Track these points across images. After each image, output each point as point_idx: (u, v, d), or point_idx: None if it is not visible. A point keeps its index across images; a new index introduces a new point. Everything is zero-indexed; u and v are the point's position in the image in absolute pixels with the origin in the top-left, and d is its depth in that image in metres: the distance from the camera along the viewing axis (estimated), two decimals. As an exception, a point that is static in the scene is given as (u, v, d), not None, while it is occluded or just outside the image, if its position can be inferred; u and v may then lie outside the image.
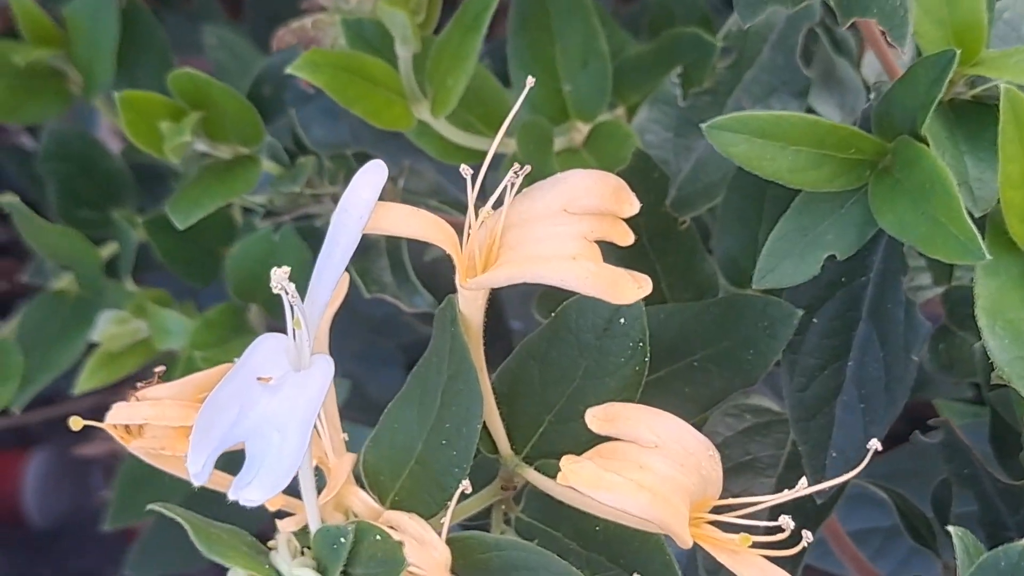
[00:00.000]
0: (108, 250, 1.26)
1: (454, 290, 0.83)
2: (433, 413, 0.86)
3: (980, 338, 0.86)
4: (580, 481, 0.78)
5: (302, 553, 0.86)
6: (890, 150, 0.85)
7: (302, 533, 0.87)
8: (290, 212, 1.08)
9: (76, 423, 0.83)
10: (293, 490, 0.90)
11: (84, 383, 1.20)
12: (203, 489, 0.77)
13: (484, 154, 1.00)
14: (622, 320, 0.85)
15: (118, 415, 0.83)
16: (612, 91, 1.10)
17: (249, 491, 0.73)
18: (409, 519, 0.85)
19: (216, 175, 1.03)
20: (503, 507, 0.94)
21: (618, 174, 0.91)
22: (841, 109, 1.09)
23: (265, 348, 0.76)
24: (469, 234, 0.81)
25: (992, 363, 0.80)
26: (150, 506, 0.84)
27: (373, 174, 0.77)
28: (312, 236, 1.11)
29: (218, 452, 0.74)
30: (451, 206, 1.12)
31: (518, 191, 0.81)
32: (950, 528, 0.78)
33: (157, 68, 1.28)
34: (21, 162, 1.62)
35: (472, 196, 0.80)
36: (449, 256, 0.84)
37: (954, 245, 0.79)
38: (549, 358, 0.89)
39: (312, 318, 0.77)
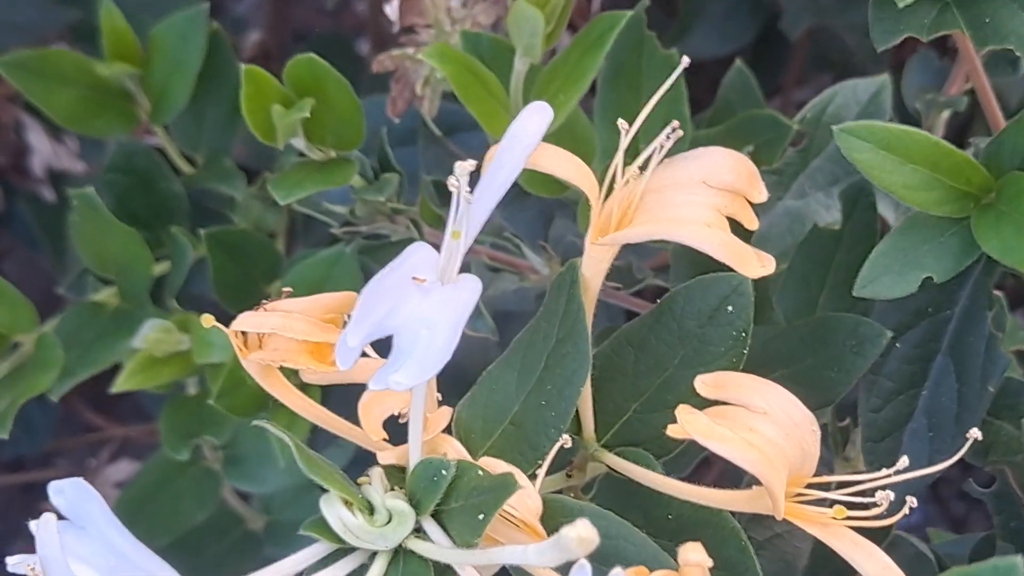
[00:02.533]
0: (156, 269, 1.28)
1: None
2: (535, 376, 0.88)
3: (1017, 427, 0.92)
4: (695, 429, 0.81)
5: (392, 491, 0.87)
6: (996, 187, 0.90)
7: (394, 473, 0.88)
8: (368, 224, 1.11)
9: (207, 320, 0.85)
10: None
11: (123, 383, 1.21)
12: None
13: (565, 188, 1.05)
14: (729, 308, 0.89)
15: (246, 322, 0.85)
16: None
17: (397, 376, 0.75)
18: (506, 465, 0.87)
19: (314, 167, 1.06)
20: (571, 495, 0.96)
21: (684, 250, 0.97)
22: (896, 210, 1.15)
23: (420, 254, 0.79)
24: (609, 193, 0.85)
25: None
26: (256, 422, 0.86)
27: (540, 112, 0.82)
28: (381, 254, 1.13)
29: (371, 337, 0.76)
30: (510, 248, 1.15)
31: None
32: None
33: (228, 104, 1.33)
34: (37, 211, 1.64)
35: (620, 157, 0.84)
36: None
37: (1059, 267, 0.85)
38: (647, 345, 0.92)
39: (467, 236, 0.80)
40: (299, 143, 1.07)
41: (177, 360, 1.22)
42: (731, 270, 0.86)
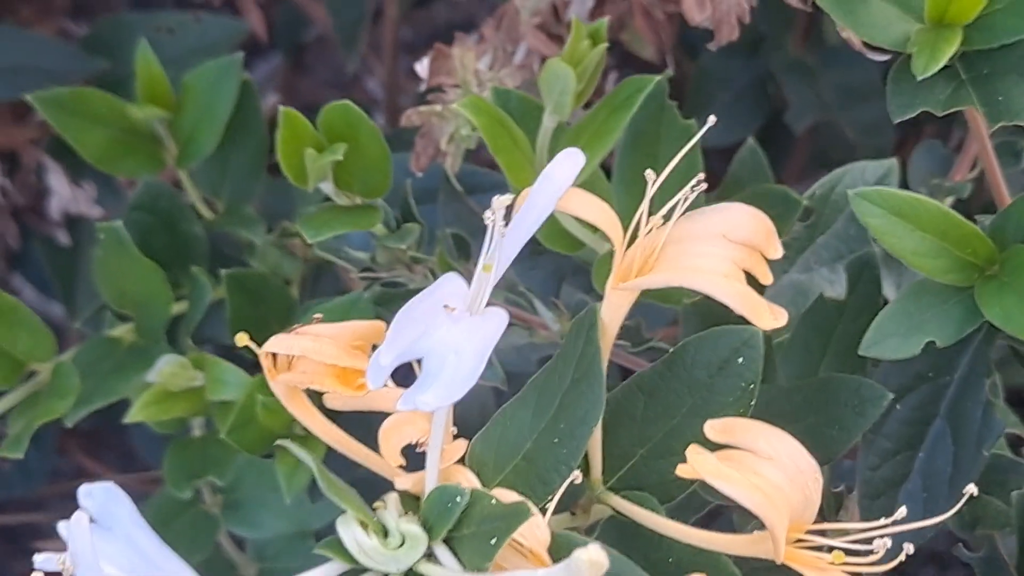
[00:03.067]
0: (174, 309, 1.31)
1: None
2: (549, 414, 0.92)
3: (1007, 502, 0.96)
4: (704, 468, 0.85)
5: (405, 515, 0.90)
6: (1000, 259, 0.95)
7: (408, 500, 0.92)
8: (387, 271, 1.15)
9: (241, 339, 0.89)
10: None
11: (136, 414, 1.24)
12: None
13: (581, 245, 1.09)
14: (740, 359, 0.92)
15: (278, 344, 0.89)
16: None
17: (425, 396, 0.79)
18: (518, 496, 0.90)
19: (342, 210, 1.10)
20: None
21: (693, 304, 1.01)
22: (897, 288, 1.19)
23: (452, 284, 0.84)
24: (633, 241, 0.89)
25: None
26: (279, 442, 0.90)
27: (574, 157, 0.86)
28: (397, 303, 1.17)
29: (403, 358, 0.80)
30: (522, 303, 1.19)
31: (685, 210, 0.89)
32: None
33: (252, 153, 1.37)
34: (51, 254, 1.67)
35: (644, 208, 0.88)
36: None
37: (1057, 332, 0.89)
38: (658, 392, 0.95)
39: (497, 270, 0.84)
40: (328, 188, 1.11)
41: (190, 395, 1.25)
42: (742, 322, 0.90)
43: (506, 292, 1.20)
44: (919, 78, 0.93)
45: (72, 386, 1.24)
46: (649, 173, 0.87)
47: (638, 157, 1.16)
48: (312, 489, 1.30)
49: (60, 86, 1.36)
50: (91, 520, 0.83)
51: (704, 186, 0.88)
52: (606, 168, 1.17)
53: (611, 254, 1.04)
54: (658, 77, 1.06)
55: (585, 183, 1.06)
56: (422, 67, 1.21)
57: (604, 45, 1.03)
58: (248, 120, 1.35)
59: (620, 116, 1.05)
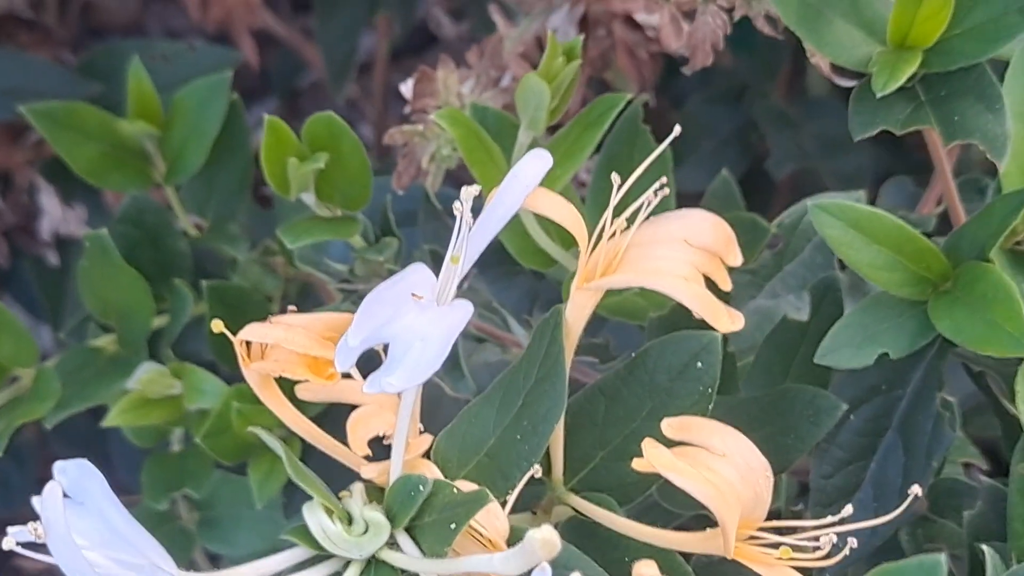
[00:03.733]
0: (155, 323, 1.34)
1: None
2: (512, 412, 0.95)
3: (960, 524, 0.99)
4: (658, 461, 0.88)
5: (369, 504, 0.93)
6: (953, 276, 0.98)
7: (373, 491, 0.94)
8: (365, 283, 1.18)
9: (217, 325, 0.92)
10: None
11: (113, 418, 1.26)
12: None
13: (554, 263, 1.12)
14: (699, 364, 0.96)
15: (251, 332, 0.92)
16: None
17: (390, 379, 0.82)
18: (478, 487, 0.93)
19: (323, 220, 1.13)
20: (535, 536, 1.01)
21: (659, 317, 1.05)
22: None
23: (420, 273, 0.87)
24: (596, 245, 0.92)
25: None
26: (251, 429, 0.93)
27: (542, 157, 0.89)
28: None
29: (369, 342, 0.83)
30: (496, 321, 1.22)
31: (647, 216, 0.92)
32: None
33: (239, 172, 1.40)
34: (40, 274, 1.71)
35: (609, 212, 0.91)
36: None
37: (1008, 341, 0.92)
38: (619, 395, 0.98)
39: (464, 263, 0.87)
40: (309, 199, 1.14)
41: (167, 403, 1.28)
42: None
43: (480, 309, 1.23)
44: (878, 95, 0.96)
45: (53, 390, 1.26)
46: (615, 177, 0.90)
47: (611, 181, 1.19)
48: (287, 506, 1.32)
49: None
50: (64, 495, 0.85)
51: (667, 191, 0.91)
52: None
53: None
54: (630, 96, 1.10)
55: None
56: (407, 88, 1.25)
57: (578, 62, 1.07)
58: (235, 140, 1.38)
59: (593, 132, 1.08)
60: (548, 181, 1.06)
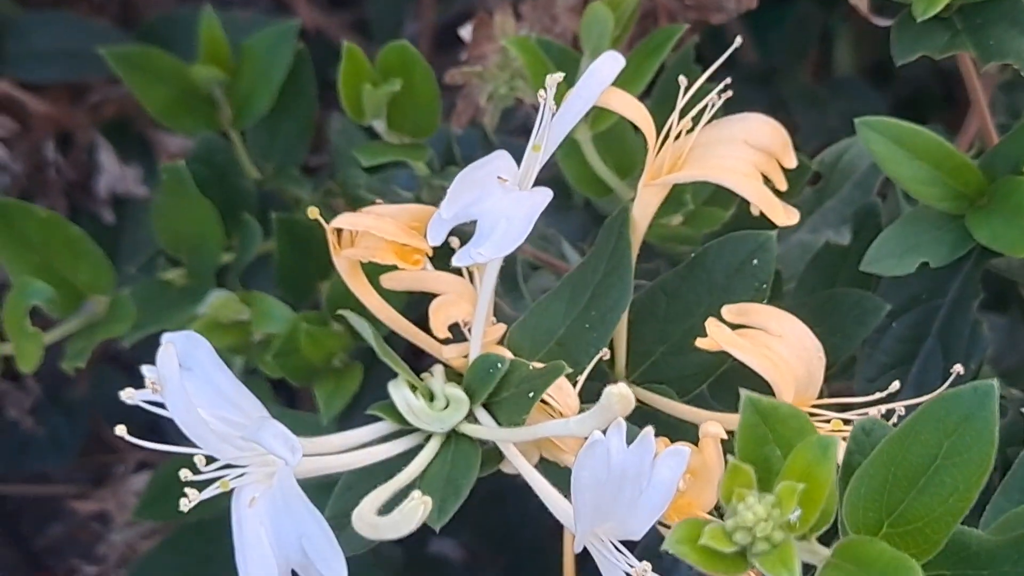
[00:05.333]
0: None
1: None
2: (582, 303, 1.02)
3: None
4: (721, 338, 0.95)
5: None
6: (988, 191, 1.05)
7: (451, 375, 1.02)
8: (430, 209, 1.25)
9: (312, 211, 0.99)
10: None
11: (189, 339, 1.33)
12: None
13: (609, 191, 1.20)
14: (755, 262, 1.03)
15: (344, 220, 1.00)
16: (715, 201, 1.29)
17: (480, 250, 0.90)
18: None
19: (394, 145, 1.21)
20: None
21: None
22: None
23: (504, 159, 0.95)
24: (664, 144, 1.00)
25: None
26: (341, 311, 0.99)
27: (615, 58, 0.97)
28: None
29: (460, 217, 0.91)
30: (552, 251, 1.30)
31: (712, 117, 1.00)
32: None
33: (302, 120, 1.48)
34: (96, 232, 1.77)
35: (675, 115, 0.99)
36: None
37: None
38: (679, 293, 1.05)
39: (545, 151, 0.95)
40: (380, 126, 1.22)
41: (237, 328, 1.35)
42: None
43: (536, 239, 1.30)
44: (919, 20, 1.04)
45: (129, 314, 1.33)
46: (682, 79, 0.98)
47: (666, 116, 1.27)
48: (341, 419, 1.39)
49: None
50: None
51: (730, 93, 0.98)
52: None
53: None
54: (686, 25, 1.17)
55: (616, 132, 1.18)
56: (466, 32, 1.32)
57: (640, -9, 1.15)
58: (300, 88, 1.45)
59: (652, 60, 1.16)
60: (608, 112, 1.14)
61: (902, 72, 1.08)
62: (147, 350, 0.94)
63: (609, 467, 0.86)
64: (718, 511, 0.84)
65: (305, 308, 1.38)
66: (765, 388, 0.95)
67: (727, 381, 1.04)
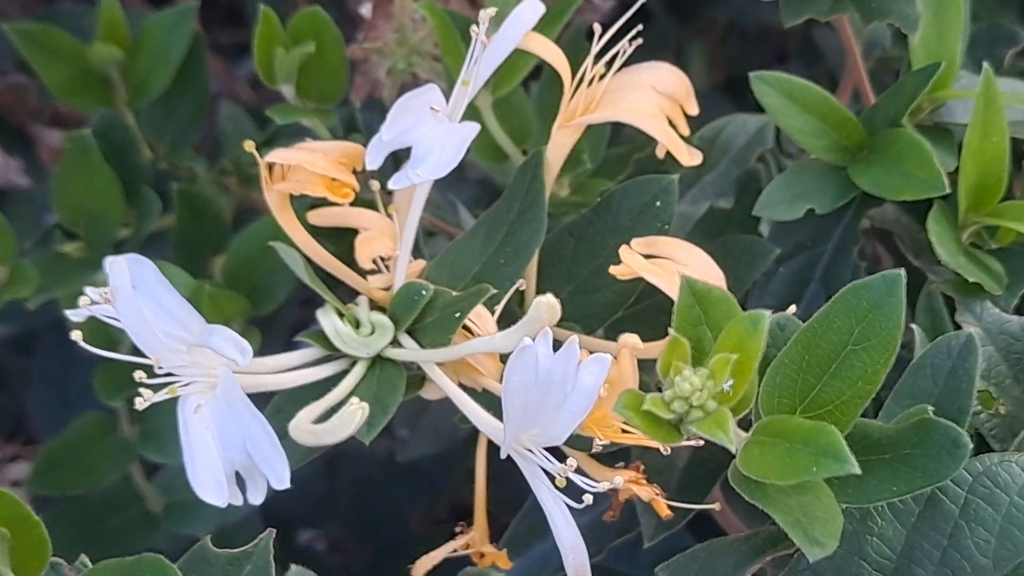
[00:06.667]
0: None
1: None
2: (497, 240, 1.08)
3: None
4: (635, 264, 1.02)
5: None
6: (868, 144, 1.15)
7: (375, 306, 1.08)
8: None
9: (248, 145, 1.05)
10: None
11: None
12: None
13: (506, 158, 1.27)
14: (658, 203, 1.10)
15: (277, 155, 1.05)
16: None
17: (417, 171, 0.96)
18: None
19: (303, 110, 1.27)
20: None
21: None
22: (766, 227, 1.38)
23: (435, 92, 1.01)
24: (577, 89, 1.07)
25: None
26: (272, 244, 1.05)
27: (535, 6, 1.05)
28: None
29: (397, 143, 0.97)
30: (448, 217, 1.36)
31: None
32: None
33: (196, 102, 1.53)
34: None
35: (589, 61, 1.07)
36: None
37: (921, 186, 1.09)
38: (586, 235, 1.12)
39: (474, 86, 1.02)
40: (288, 91, 1.27)
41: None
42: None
43: (431, 207, 1.37)
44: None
45: (32, 277, 1.37)
46: (596, 27, 1.05)
47: (556, 92, 1.34)
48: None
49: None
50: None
51: (640, 41, 1.06)
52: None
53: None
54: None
55: (511, 103, 1.25)
56: (366, 10, 1.39)
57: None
58: (194, 70, 1.50)
59: (552, 27, 1.22)
60: (508, 78, 1.21)
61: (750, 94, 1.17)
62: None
63: (537, 372, 0.92)
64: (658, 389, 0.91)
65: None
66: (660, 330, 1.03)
67: (626, 321, 1.12)
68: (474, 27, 1.00)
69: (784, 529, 0.85)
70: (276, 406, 1.04)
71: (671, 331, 0.89)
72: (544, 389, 0.92)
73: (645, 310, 1.14)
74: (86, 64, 1.49)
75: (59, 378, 1.76)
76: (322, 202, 1.09)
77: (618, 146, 1.35)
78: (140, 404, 0.93)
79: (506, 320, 1.07)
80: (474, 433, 1.07)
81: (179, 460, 1.53)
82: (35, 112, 1.82)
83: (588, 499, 0.95)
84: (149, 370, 0.95)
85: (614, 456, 1.04)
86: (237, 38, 2.02)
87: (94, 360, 1.54)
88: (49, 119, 1.82)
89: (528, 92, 1.34)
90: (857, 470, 0.82)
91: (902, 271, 0.87)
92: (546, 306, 0.94)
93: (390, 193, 1.09)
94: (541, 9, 1.03)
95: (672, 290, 1.00)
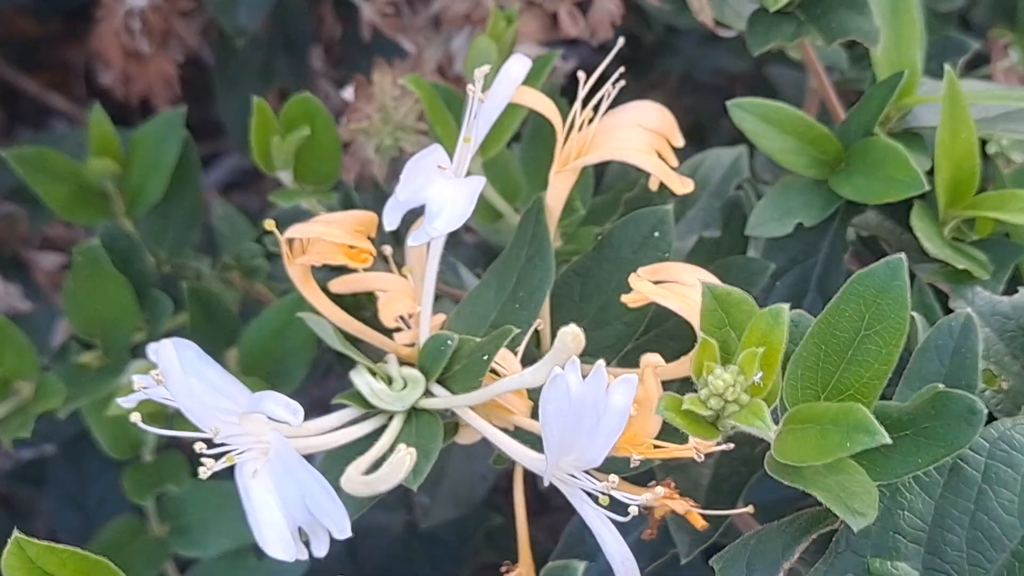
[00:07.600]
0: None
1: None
2: (509, 288, 1.14)
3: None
4: (645, 289, 1.08)
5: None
6: (845, 156, 1.21)
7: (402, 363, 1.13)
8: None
9: (269, 225, 1.11)
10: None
11: (113, 409, 1.41)
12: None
13: (499, 217, 1.33)
14: (656, 234, 1.16)
15: (296, 230, 1.11)
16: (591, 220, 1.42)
17: (435, 225, 1.02)
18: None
19: (303, 192, 1.33)
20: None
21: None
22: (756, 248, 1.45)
23: (439, 152, 1.07)
24: (569, 135, 1.14)
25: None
26: (300, 315, 1.11)
27: (522, 59, 1.11)
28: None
29: (411, 202, 1.03)
30: (449, 278, 1.42)
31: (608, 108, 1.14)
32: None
33: (191, 204, 1.59)
34: None
35: (577, 106, 1.13)
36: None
37: (902, 187, 1.16)
38: (591, 273, 1.18)
39: (475, 142, 1.08)
40: (286, 177, 1.34)
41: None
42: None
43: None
44: (771, 11, 1.20)
45: (59, 390, 1.42)
46: (581, 75, 1.12)
47: (538, 148, 1.40)
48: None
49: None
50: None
51: (623, 82, 1.13)
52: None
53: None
54: (560, 51, 1.32)
55: (499, 163, 1.32)
56: (348, 93, 1.46)
57: (516, 25, 1.29)
58: (187, 174, 1.56)
59: (536, 81, 1.29)
60: (495, 139, 1.28)
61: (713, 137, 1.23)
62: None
63: (570, 398, 0.97)
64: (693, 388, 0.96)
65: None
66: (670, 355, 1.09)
67: (638, 351, 1.17)
68: (470, 87, 1.06)
69: (827, 506, 0.91)
70: (322, 467, 1.08)
71: (699, 334, 0.95)
72: (578, 414, 0.97)
73: (655, 338, 1.19)
74: (83, 180, 1.54)
75: (76, 495, 1.79)
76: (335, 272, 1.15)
77: (602, 194, 1.42)
78: (203, 473, 0.98)
79: (527, 363, 1.13)
80: (492, 494, 1.12)
81: (214, 551, 1.61)
82: (26, 239, 1.88)
83: (633, 510, 1.00)
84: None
85: (638, 481, 1.10)
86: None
87: (111, 471, 1.63)
88: (40, 244, 1.88)
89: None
90: (888, 440, 0.88)
91: (902, 255, 0.93)
92: (571, 335, 0.99)
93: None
94: (528, 64, 1.09)
95: (683, 310, 1.06)
